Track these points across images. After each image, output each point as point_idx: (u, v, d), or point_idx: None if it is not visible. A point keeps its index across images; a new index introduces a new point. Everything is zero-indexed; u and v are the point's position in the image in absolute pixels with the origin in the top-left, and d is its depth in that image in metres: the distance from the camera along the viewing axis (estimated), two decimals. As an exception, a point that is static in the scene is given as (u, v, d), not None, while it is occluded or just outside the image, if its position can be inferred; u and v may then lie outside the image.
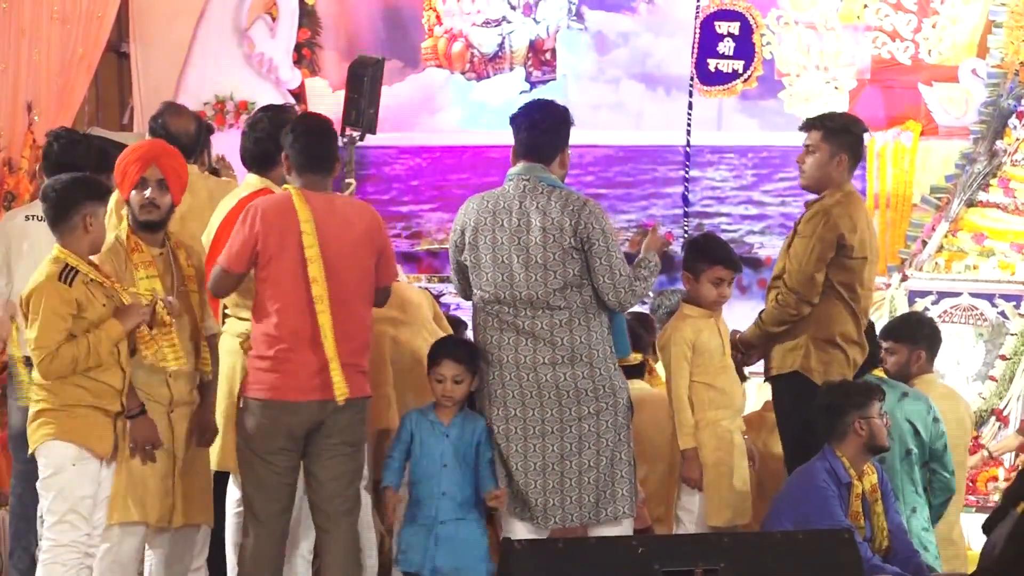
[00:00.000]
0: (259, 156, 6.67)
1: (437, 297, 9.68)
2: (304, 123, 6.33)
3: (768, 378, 7.02)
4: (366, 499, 6.95)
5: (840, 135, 6.93)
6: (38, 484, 6.09)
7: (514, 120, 6.50)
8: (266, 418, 6.08)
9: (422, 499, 6.41)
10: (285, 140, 6.26)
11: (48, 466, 6.02)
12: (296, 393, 6.04)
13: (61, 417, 6.00)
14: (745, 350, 7.06)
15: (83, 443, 6.00)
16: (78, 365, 5.94)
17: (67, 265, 6.00)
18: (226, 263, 6.13)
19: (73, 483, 5.99)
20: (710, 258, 6.88)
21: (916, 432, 7.13)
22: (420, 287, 9.00)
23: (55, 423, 6.00)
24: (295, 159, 6.21)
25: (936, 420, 7.17)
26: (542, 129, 6.44)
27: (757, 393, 8.69)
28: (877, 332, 7.48)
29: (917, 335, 7.67)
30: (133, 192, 6.30)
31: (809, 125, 6.98)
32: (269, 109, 6.98)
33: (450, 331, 7.31)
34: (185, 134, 7.26)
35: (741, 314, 11.62)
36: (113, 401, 6.06)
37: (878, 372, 7.29)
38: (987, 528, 6.26)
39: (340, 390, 6.01)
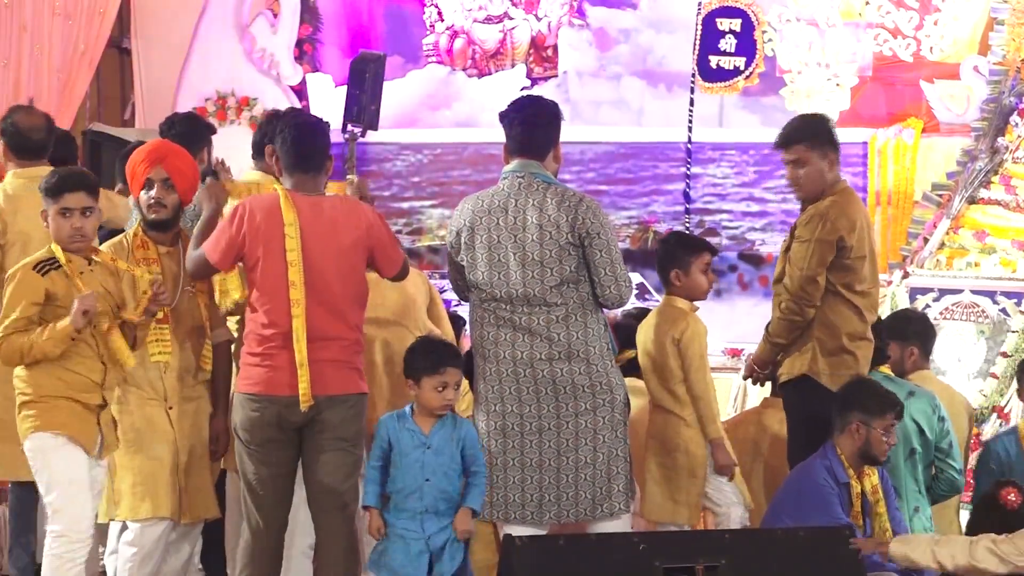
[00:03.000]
0: None
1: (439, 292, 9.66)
2: (292, 123, 6.35)
3: (780, 385, 7.00)
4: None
5: (822, 137, 6.88)
6: (36, 479, 6.12)
7: (505, 117, 6.49)
8: (255, 410, 6.09)
9: (404, 512, 6.22)
10: (276, 141, 6.29)
11: (35, 458, 6.04)
12: (283, 388, 6.05)
13: (42, 408, 6.01)
14: (761, 369, 7.05)
15: (65, 432, 6.01)
16: (23, 357, 5.98)
17: (51, 257, 6.05)
18: (211, 256, 6.18)
19: (61, 470, 6.00)
20: (693, 247, 7.01)
21: (921, 431, 7.12)
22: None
23: (37, 414, 6.02)
24: (284, 159, 6.25)
25: (942, 419, 7.17)
26: (535, 124, 6.44)
27: (758, 392, 8.68)
28: (878, 329, 7.46)
29: (907, 332, 7.66)
30: (141, 192, 6.41)
31: (790, 139, 6.87)
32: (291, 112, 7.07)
33: (444, 316, 7.26)
34: (36, 130, 7.30)
35: (743, 310, 11.72)
36: (92, 394, 6.07)
37: (884, 369, 7.28)
38: None
39: (304, 396, 6.03)
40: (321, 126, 6.39)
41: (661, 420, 6.95)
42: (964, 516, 7.72)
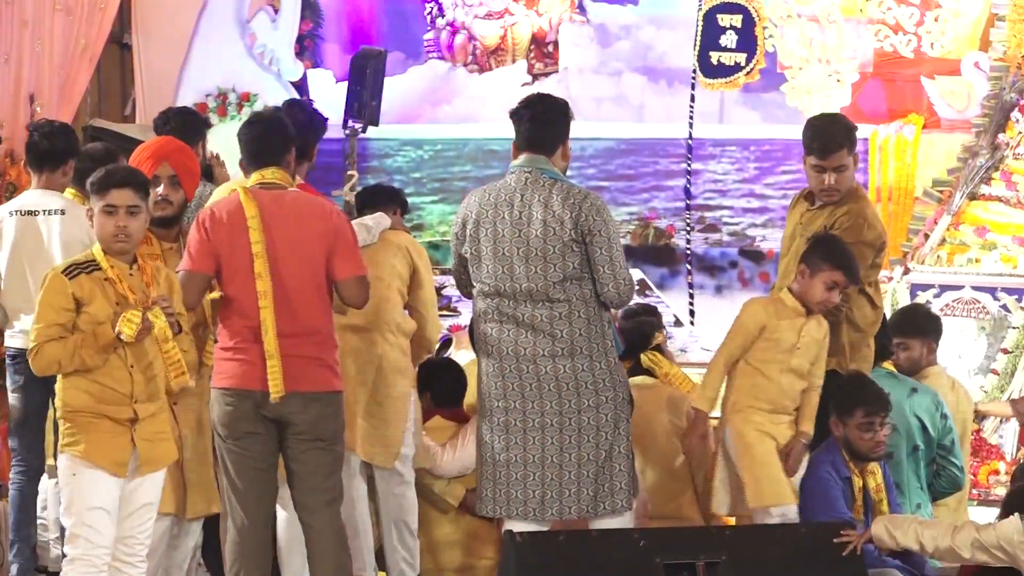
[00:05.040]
0: (297, 148, 6.67)
1: (439, 289, 9.64)
2: (248, 121, 6.36)
3: None
4: (362, 491, 6.96)
5: (855, 138, 6.84)
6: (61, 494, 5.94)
7: (515, 113, 6.50)
8: (229, 405, 6.07)
9: None
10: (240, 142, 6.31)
11: (62, 476, 5.87)
12: (256, 382, 6.02)
13: (68, 425, 5.83)
14: None
15: (83, 455, 5.81)
16: (62, 366, 5.77)
17: (87, 260, 5.84)
18: (191, 265, 6.08)
19: (79, 495, 5.81)
20: (833, 262, 6.55)
21: (924, 428, 7.13)
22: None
23: (64, 432, 5.84)
24: (243, 157, 6.26)
25: (944, 416, 7.18)
26: (544, 121, 6.44)
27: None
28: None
29: (928, 328, 7.69)
30: None
31: (835, 147, 6.71)
32: (296, 104, 7.01)
33: (425, 282, 7.14)
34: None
35: (743, 306, 11.68)
36: (122, 407, 5.85)
37: (888, 365, 7.27)
38: None
39: (276, 388, 5.98)
40: (279, 122, 6.35)
41: None
42: (973, 514, 7.74)
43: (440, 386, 7.52)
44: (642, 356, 7.46)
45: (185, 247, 6.22)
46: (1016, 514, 6.00)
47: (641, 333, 7.46)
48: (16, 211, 7.33)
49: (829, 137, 6.77)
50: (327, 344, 6.16)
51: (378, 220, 7.04)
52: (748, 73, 12.21)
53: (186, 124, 7.58)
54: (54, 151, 7.38)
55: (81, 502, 5.82)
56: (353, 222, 6.86)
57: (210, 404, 6.19)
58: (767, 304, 6.68)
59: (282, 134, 6.31)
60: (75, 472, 5.82)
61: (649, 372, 7.42)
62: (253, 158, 6.25)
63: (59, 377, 5.87)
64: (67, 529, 5.86)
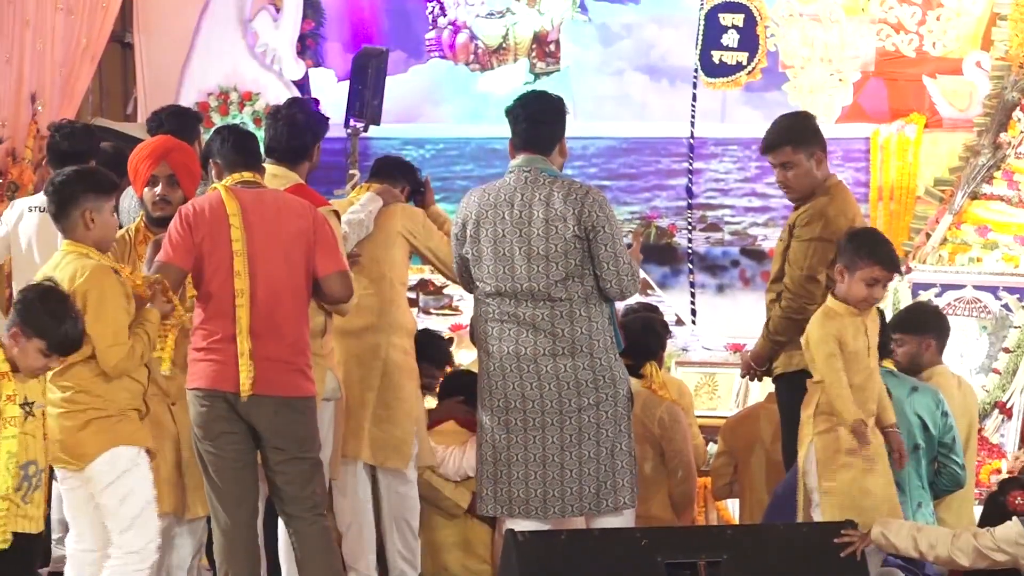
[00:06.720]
0: (298, 148, 6.70)
1: (440, 288, 9.64)
2: (227, 128, 6.43)
3: (774, 377, 6.98)
4: (366, 491, 6.96)
5: (806, 136, 6.83)
6: (99, 493, 5.88)
7: (510, 113, 6.51)
8: (203, 406, 6.08)
9: None
10: (213, 146, 6.32)
11: (113, 472, 5.86)
12: (228, 383, 6.03)
13: (116, 423, 5.88)
14: (759, 366, 7.00)
15: (141, 444, 5.93)
16: (144, 358, 5.90)
17: (112, 267, 5.90)
18: (168, 257, 6.07)
19: (141, 485, 5.90)
20: (869, 256, 6.37)
21: (925, 427, 7.12)
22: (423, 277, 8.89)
23: (113, 429, 5.87)
24: (226, 160, 6.25)
25: (945, 414, 7.16)
26: (540, 121, 6.45)
27: (761, 387, 8.68)
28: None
29: (924, 325, 7.66)
30: (145, 189, 6.41)
31: (773, 144, 6.79)
32: (298, 103, 7.02)
33: (438, 248, 7.17)
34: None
35: (746, 305, 11.72)
36: (141, 401, 6.01)
37: (888, 363, 7.27)
38: None
39: (244, 386, 6.00)
40: (251, 135, 6.44)
41: None
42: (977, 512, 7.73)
43: (455, 393, 7.57)
44: (647, 365, 7.50)
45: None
46: (1015, 518, 6.00)
47: (647, 346, 7.50)
48: (36, 207, 7.38)
49: (768, 134, 6.86)
50: (299, 347, 6.14)
51: (368, 208, 6.99)
52: (750, 72, 12.22)
53: (181, 124, 7.56)
54: (74, 151, 7.41)
55: (147, 491, 5.93)
56: (343, 218, 6.85)
57: (188, 405, 6.19)
58: (827, 322, 6.39)
59: (253, 144, 6.36)
60: (138, 463, 5.91)
61: (635, 375, 7.40)
62: (237, 160, 6.26)
63: (52, 378, 5.84)
64: (125, 520, 5.84)
